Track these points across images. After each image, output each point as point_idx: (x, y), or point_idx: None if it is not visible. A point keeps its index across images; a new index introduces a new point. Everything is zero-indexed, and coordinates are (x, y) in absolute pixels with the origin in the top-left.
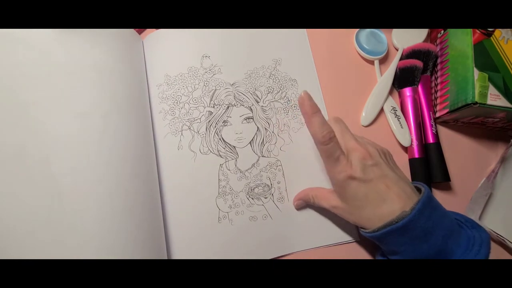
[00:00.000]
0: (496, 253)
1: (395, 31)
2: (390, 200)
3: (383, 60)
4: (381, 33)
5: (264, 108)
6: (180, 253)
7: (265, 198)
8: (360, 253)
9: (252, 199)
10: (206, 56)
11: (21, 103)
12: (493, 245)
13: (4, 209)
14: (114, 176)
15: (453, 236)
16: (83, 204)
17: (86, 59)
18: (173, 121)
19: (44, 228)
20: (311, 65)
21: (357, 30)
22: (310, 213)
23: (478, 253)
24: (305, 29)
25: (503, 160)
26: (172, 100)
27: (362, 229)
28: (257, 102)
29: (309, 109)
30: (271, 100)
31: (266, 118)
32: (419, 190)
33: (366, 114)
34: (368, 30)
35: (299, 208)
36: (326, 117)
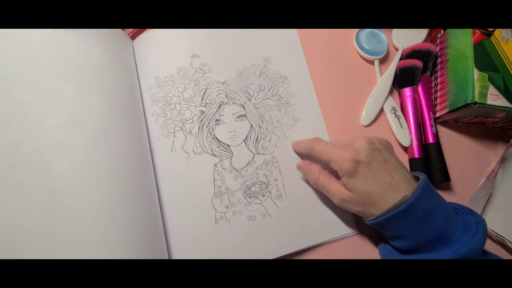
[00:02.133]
0: (496, 253)
1: (395, 31)
2: (394, 186)
3: (383, 60)
4: (381, 33)
5: (256, 105)
6: (177, 257)
7: (263, 196)
8: (360, 246)
9: (250, 197)
10: (196, 55)
11: (17, 103)
12: (493, 245)
13: (3, 210)
14: (113, 177)
15: (451, 219)
16: (82, 205)
17: (81, 59)
18: (165, 123)
19: (42, 229)
20: (302, 61)
21: (357, 30)
22: (309, 209)
23: (476, 233)
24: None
25: (503, 160)
26: (163, 102)
27: (366, 219)
28: (249, 100)
29: (303, 147)
30: (263, 98)
31: (259, 115)
32: (416, 178)
33: (366, 114)
34: (368, 30)
35: (299, 169)
36: (316, 109)
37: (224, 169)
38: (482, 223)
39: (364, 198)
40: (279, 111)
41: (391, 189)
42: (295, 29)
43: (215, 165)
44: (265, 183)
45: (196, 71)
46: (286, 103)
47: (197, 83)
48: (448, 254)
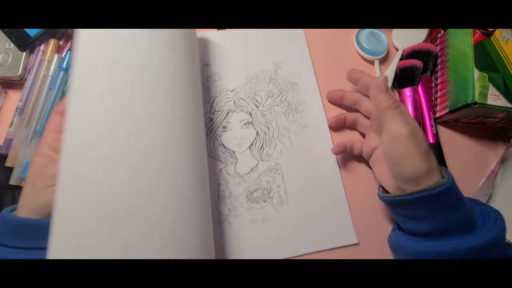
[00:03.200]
0: None
1: (395, 31)
2: (420, 154)
3: (383, 60)
4: (381, 33)
5: (263, 112)
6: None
7: (264, 201)
8: (359, 257)
9: (252, 202)
10: (207, 64)
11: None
12: None
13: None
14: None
15: (474, 208)
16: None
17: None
18: None
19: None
20: (310, 68)
21: (357, 30)
22: (309, 217)
23: (497, 220)
24: (302, 31)
25: (503, 160)
26: None
27: (382, 194)
28: (257, 107)
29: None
30: (271, 104)
31: (266, 123)
32: None
33: None
34: (368, 30)
35: (336, 153)
36: (323, 116)
37: (228, 174)
38: (499, 212)
39: (414, 134)
40: (287, 118)
41: (417, 150)
42: (303, 34)
43: (220, 170)
44: (267, 189)
45: (207, 79)
46: (295, 110)
47: (207, 91)
48: (473, 240)
